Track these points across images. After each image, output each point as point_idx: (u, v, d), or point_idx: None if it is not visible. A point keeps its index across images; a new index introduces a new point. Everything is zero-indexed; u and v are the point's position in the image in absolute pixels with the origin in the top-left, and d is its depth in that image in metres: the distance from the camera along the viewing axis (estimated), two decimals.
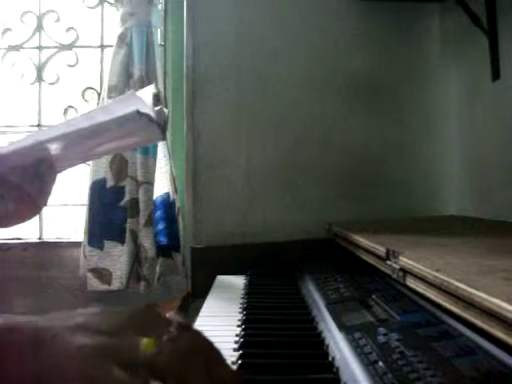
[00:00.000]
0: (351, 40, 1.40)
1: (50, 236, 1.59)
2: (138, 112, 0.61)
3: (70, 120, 0.67)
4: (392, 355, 0.54)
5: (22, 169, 0.69)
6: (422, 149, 1.41)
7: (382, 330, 0.63)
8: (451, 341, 0.55)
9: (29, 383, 0.34)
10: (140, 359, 0.34)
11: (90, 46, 1.62)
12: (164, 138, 0.70)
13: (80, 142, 0.68)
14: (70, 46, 1.60)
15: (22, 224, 0.76)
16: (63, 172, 0.75)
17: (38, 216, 1.57)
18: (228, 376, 0.38)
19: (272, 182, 1.38)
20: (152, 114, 0.64)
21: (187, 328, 0.39)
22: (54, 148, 0.68)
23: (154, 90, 0.70)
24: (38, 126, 1.61)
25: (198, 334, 0.40)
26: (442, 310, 0.61)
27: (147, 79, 1.41)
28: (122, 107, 0.61)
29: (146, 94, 0.68)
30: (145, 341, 0.36)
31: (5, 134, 1.63)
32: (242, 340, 0.70)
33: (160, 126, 0.66)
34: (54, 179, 0.73)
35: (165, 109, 0.70)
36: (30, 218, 0.75)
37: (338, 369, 0.58)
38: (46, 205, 0.74)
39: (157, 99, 0.68)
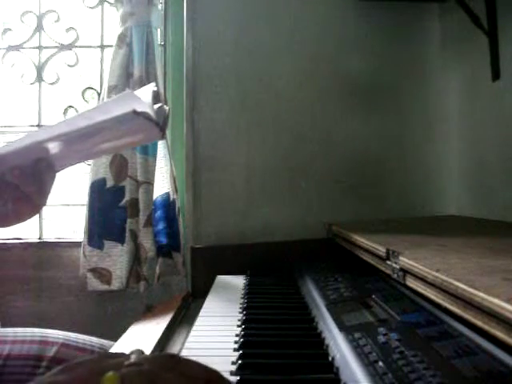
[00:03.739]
0: (351, 40, 1.40)
1: (50, 236, 1.59)
2: (134, 112, 0.61)
3: (67, 119, 0.66)
4: (392, 355, 0.54)
5: (20, 169, 0.68)
6: (421, 149, 1.41)
7: (381, 330, 0.63)
8: (451, 341, 0.55)
9: None
10: None
11: (90, 46, 1.62)
12: (163, 137, 0.69)
13: (78, 142, 0.67)
14: (70, 46, 1.60)
15: (21, 223, 0.75)
16: (62, 171, 0.75)
17: (37, 216, 1.58)
18: (201, 373, 0.38)
19: (272, 182, 1.38)
20: (151, 112, 0.63)
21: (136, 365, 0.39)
22: (53, 147, 0.67)
23: (154, 88, 0.69)
24: (38, 125, 1.61)
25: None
26: (442, 310, 0.61)
27: (147, 79, 1.41)
28: (119, 107, 0.61)
29: (146, 92, 0.67)
30: (106, 376, 0.35)
31: (5, 134, 1.63)
32: (241, 340, 0.70)
33: (159, 124, 0.65)
34: (53, 178, 0.72)
35: (165, 106, 0.69)
36: (29, 218, 0.75)
37: (337, 369, 0.58)
38: (45, 204, 0.73)
39: (157, 97, 0.67)
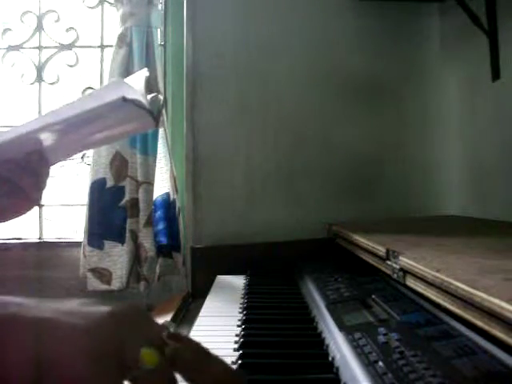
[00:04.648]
0: (351, 40, 1.40)
1: (50, 236, 1.59)
2: (123, 98, 0.60)
3: (57, 109, 0.65)
4: (392, 355, 0.54)
5: (13, 162, 0.67)
6: (421, 149, 1.41)
7: (381, 330, 0.63)
8: (451, 341, 0.55)
9: (28, 368, 0.33)
10: (137, 367, 0.34)
11: (90, 46, 1.62)
12: (157, 126, 0.69)
13: (71, 132, 0.67)
14: (69, 46, 1.60)
15: (18, 218, 0.74)
16: (57, 164, 0.75)
17: (38, 216, 1.58)
18: (225, 374, 0.38)
19: (272, 182, 1.38)
20: (142, 99, 0.63)
21: (178, 339, 0.38)
22: (45, 139, 0.67)
23: (147, 73, 0.69)
24: None
25: (188, 344, 0.39)
26: (442, 310, 0.61)
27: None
28: (109, 94, 0.60)
29: (138, 79, 0.67)
30: (145, 351, 0.35)
31: None
32: (241, 340, 0.70)
33: (152, 113, 0.65)
34: (48, 172, 0.71)
35: (160, 95, 0.69)
36: (25, 212, 0.74)
37: (337, 369, 0.58)
38: (41, 198, 0.73)
39: (152, 86, 0.67)
